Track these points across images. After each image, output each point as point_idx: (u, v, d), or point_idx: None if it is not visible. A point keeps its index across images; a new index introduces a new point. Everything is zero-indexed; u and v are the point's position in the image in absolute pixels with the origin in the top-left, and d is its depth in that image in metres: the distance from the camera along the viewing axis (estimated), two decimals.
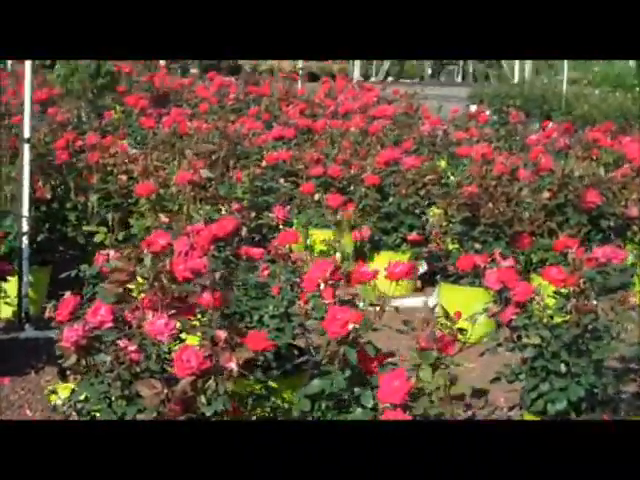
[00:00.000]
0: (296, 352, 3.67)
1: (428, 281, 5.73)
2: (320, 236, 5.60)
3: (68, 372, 3.04)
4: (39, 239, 4.96)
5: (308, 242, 5.60)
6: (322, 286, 3.04)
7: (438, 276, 5.10)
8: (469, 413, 3.97)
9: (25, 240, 4.68)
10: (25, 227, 4.66)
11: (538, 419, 3.31)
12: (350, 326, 2.84)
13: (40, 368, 4.21)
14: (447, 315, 3.14)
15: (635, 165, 5.51)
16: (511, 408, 3.94)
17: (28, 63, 4.56)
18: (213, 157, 4.90)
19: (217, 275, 2.91)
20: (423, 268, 5.71)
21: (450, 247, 5.42)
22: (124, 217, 5.33)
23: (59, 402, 3.02)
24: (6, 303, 4.67)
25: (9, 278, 4.57)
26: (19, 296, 4.72)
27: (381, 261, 5.29)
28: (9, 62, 14.88)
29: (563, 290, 3.22)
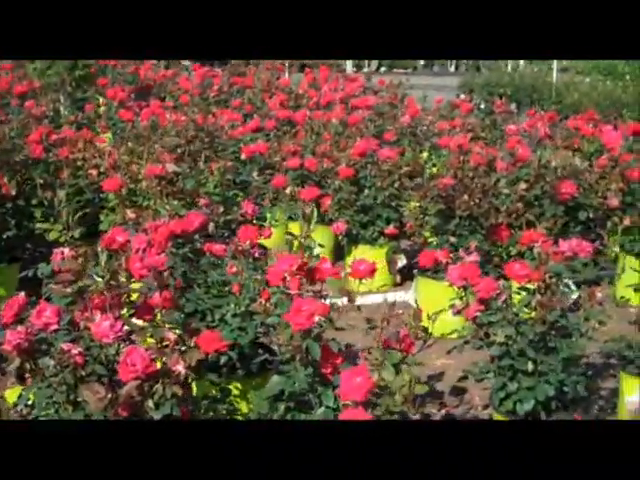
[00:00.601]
0: (261, 351, 3.58)
1: (408, 275, 5.64)
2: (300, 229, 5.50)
3: (27, 375, 2.94)
4: (7, 236, 4.86)
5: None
6: (288, 279, 2.95)
7: (415, 270, 5.00)
8: (442, 412, 3.91)
9: None
10: None
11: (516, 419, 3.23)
12: (316, 318, 2.75)
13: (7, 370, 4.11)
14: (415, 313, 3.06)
15: (614, 155, 5.40)
16: (486, 407, 3.87)
17: None
18: (179, 150, 4.80)
19: (165, 274, 2.79)
20: (402, 262, 5.61)
21: (430, 240, 5.32)
22: (96, 212, 5.24)
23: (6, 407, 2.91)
24: None
25: None
26: None
27: (359, 255, 5.19)
28: None
29: (530, 285, 3.13)
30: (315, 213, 3.54)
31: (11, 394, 3.12)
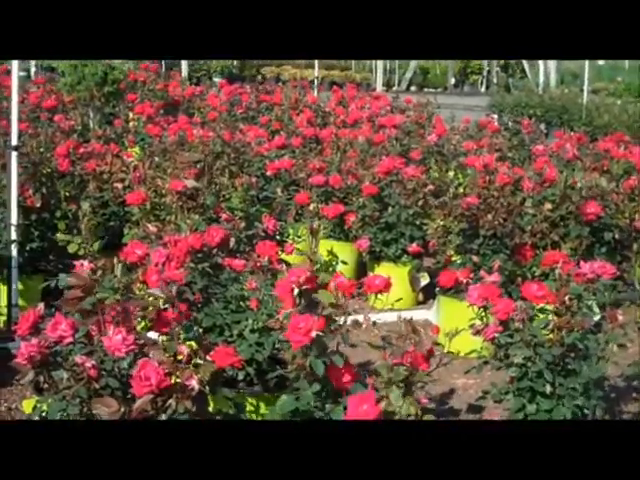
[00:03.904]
0: (278, 367, 3.56)
1: (431, 293, 5.60)
2: (324, 246, 5.48)
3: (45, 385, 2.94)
4: (31, 247, 4.90)
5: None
6: (296, 292, 2.91)
7: (437, 289, 4.96)
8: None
9: (14, 248, 4.62)
10: (14, 235, 4.60)
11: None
12: (313, 334, 2.72)
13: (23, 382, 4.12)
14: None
15: None
16: None
17: (15, 70, 4.51)
18: (200, 166, 4.81)
19: (174, 288, 2.79)
20: (425, 280, 5.57)
21: (454, 259, 5.28)
22: (120, 226, 5.27)
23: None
24: None
25: None
26: (8, 305, 4.65)
27: (381, 273, 5.16)
28: (32, 70, 15.00)
29: (550, 307, 3.08)
30: (321, 228, 3.51)
31: (28, 405, 3.13)
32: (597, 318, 3.30)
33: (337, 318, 2.96)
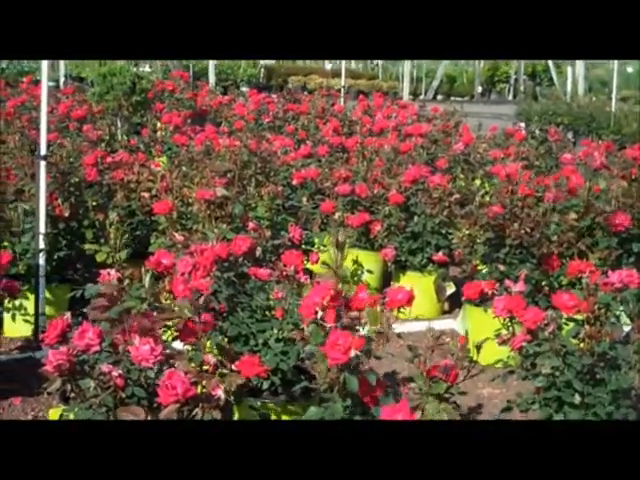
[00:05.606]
0: (303, 377, 3.56)
1: (456, 302, 5.58)
2: (350, 255, 5.48)
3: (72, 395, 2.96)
4: (59, 256, 4.94)
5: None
6: (319, 314, 2.89)
7: (463, 298, 4.94)
8: None
9: (42, 257, 4.65)
10: (42, 244, 4.64)
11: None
12: (352, 353, 2.71)
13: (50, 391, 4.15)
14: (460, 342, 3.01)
15: None
16: None
17: (44, 80, 4.56)
18: (230, 175, 4.83)
19: (202, 299, 2.79)
20: (451, 289, 5.55)
21: (480, 268, 5.26)
22: (147, 235, 5.30)
23: None
24: (25, 321, 4.65)
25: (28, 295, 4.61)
26: (36, 314, 4.68)
27: (407, 282, 5.15)
28: (61, 80, 15.15)
29: (578, 316, 3.06)
30: (347, 240, 3.49)
31: (54, 414, 3.15)
32: (627, 329, 3.27)
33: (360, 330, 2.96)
